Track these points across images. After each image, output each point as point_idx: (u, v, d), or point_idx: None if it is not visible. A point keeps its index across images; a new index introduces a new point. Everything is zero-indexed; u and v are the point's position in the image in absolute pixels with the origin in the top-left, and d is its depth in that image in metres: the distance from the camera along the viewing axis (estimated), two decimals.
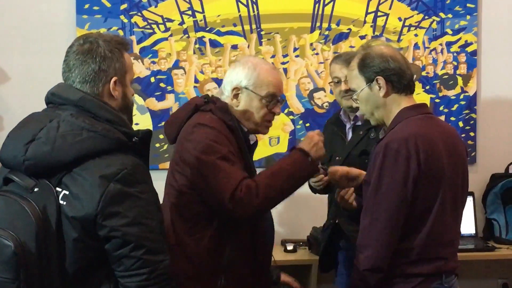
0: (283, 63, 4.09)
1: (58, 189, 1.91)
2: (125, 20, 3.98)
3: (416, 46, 4.18)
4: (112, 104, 2.04)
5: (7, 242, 1.83)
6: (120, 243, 1.89)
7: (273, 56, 4.08)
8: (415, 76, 2.45)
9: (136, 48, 3.99)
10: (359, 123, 3.24)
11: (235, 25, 4.05)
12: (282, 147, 4.10)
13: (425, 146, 2.28)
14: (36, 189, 1.91)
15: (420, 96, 4.16)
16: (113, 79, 2.04)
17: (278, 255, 3.79)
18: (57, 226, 1.88)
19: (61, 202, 1.90)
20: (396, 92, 2.37)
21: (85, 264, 1.93)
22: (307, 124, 4.11)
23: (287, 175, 2.42)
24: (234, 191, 2.32)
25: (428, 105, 4.14)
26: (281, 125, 4.11)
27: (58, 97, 2.03)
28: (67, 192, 1.90)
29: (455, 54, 4.21)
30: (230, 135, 2.47)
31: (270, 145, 4.11)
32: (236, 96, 2.56)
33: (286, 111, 4.10)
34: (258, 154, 4.02)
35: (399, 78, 2.36)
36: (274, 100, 2.57)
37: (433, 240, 2.31)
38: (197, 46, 4.02)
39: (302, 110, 4.12)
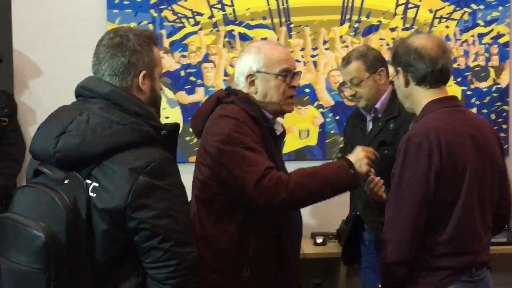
0: (312, 56, 4.08)
1: (88, 181, 1.93)
2: (155, 14, 4.01)
3: (447, 38, 4.14)
4: (141, 97, 2.06)
5: (38, 233, 1.86)
6: (149, 235, 1.91)
7: (302, 49, 4.07)
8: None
9: (166, 42, 4.02)
10: (380, 115, 3.23)
11: (264, 18, 4.05)
12: (312, 140, 4.10)
13: (448, 139, 2.28)
14: (66, 181, 1.94)
15: (451, 88, 4.11)
16: (142, 72, 2.06)
17: (308, 248, 3.81)
18: (87, 217, 1.91)
19: (91, 194, 1.92)
20: (416, 84, 2.39)
21: (113, 256, 1.95)
22: (337, 117, 4.10)
23: (323, 180, 2.39)
24: (260, 179, 2.31)
25: (460, 97, 4.12)
26: (311, 118, 4.10)
27: (87, 90, 2.05)
28: (96, 184, 1.92)
29: (487, 45, 4.17)
30: (253, 126, 2.46)
31: (300, 138, 4.11)
32: (252, 83, 2.55)
33: (316, 104, 4.10)
34: (288, 147, 4.06)
35: (416, 71, 2.37)
36: (290, 74, 2.56)
37: (460, 234, 2.30)
38: (226, 39, 4.03)
39: (332, 103, 4.11)
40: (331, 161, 2.64)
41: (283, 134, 2.71)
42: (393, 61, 2.43)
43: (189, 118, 2.76)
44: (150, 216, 1.91)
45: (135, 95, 2.05)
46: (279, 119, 2.72)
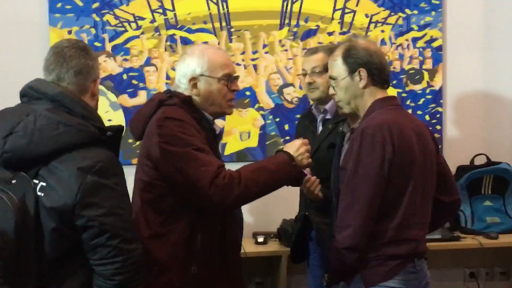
0: (253, 59, 4.18)
1: (35, 181, 2.00)
2: (97, 19, 4.05)
3: (383, 42, 4.28)
4: (92, 103, 2.16)
5: None
6: (97, 232, 1.99)
7: (243, 53, 4.16)
8: None
9: (108, 46, 4.06)
10: (328, 116, 3.31)
11: (205, 22, 4.13)
12: (253, 142, 4.19)
13: (398, 132, 2.41)
14: (14, 181, 2.00)
15: (388, 90, 4.24)
16: (98, 80, 2.20)
17: (249, 247, 3.87)
18: (35, 216, 1.97)
19: (38, 193, 1.98)
20: (374, 85, 2.52)
21: (61, 253, 2.03)
22: (277, 119, 4.20)
23: (269, 173, 2.49)
24: (214, 178, 2.38)
25: None
26: (252, 120, 4.19)
27: (35, 90, 2.12)
28: (44, 184, 1.99)
29: (421, 49, 4.32)
30: (198, 127, 2.53)
31: (241, 139, 4.19)
32: (194, 85, 2.63)
33: (256, 106, 4.19)
34: (230, 148, 4.14)
35: (380, 73, 2.52)
36: (231, 78, 2.65)
37: (406, 222, 2.43)
38: (168, 43, 4.10)
39: (272, 105, 4.20)
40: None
41: (222, 132, 2.79)
42: (349, 62, 2.51)
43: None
44: (98, 214, 1.99)
45: (86, 99, 2.14)
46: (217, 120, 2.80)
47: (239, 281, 2.69)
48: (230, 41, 4.16)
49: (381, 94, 2.55)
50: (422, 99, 4.33)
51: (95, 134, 2.07)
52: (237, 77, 2.71)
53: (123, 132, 2.23)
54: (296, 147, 2.59)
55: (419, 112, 4.31)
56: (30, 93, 2.13)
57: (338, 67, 2.54)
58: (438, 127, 4.34)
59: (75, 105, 2.10)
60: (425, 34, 4.32)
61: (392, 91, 4.24)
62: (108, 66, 4.06)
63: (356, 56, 2.50)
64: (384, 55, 2.60)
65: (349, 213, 2.40)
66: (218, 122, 3.98)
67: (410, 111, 4.27)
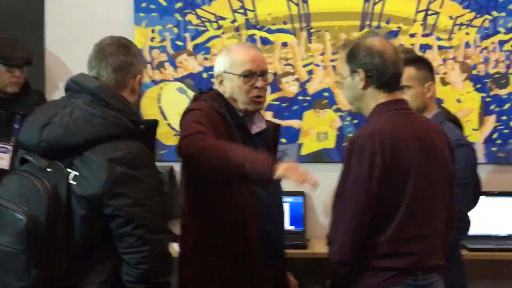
0: (332, 60, 4.16)
1: (69, 170, 2.09)
2: (180, 18, 4.16)
3: (467, 45, 4.17)
4: (131, 99, 2.25)
5: (20, 216, 2.02)
6: (123, 222, 2.06)
7: (322, 54, 4.16)
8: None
9: (190, 45, 4.16)
10: None
11: (285, 23, 4.16)
12: (330, 143, 4.18)
13: (392, 141, 2.30)
14: (49, 169, 2.10)
15: (471, 94, 4.16)
16: (139, 76, 2.26)
17: (321, 248, 3.82)
18: (66, 203, 2.06)
19: (71, 182, 2.08)
20: (375, 87, 2.40)
21: (91, 240, 2.10)
22: (355, 121, 4.16)
23: (235, 155, 2.35)
24: (187, 135, 2.44)
25: (479, 104, 4.15)
26: (329, 121, 4.18)
27: (76, 84, 2.22)
28: (77, 173, 2.09)
29: (507, 52, 4.17)
30: (219, 120, 2.57)
31: (318, 140, 4.19)
32: (221, 82, 2.70)
33: (334, 107, 4.18)
34: (306, 149, 4.16)
35: (380, 74, 2.38)
36: (254, 76, 2.66)
37: (402, 235, 2.31)
38: (248, 43, 4.14)
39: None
40: None
41: (265, 131, 2.78)
42: (350, 61, 2.43)
43: None
44: (125, 204, 2.06)
45: (125, 94, 2.21)
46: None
47: (260, 277, 2.66)
48: (310, 41, 4.16)
49: (384, 98, 2.40)
50: (508, 104, 4.18)
51: (129, 127, 2.14)
52: (263, 74, 2.69)
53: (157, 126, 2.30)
54: (291, 163, 2.37)
55: (504, 118, 4.17)
56: (72, 86, 2.23)
57: (343, 66, 2.47)
58: None
59: (112, 99, 2.18)
60: None
61: (475, 95, 4.15)
62: (189, 64, 4.16)
63: (357, 57, 2.41)
64: (394, 56, 2.41)
65: (338, 227, 2.32)
66: (295, 122, 4.11)
67: (494, 116, 4.15)
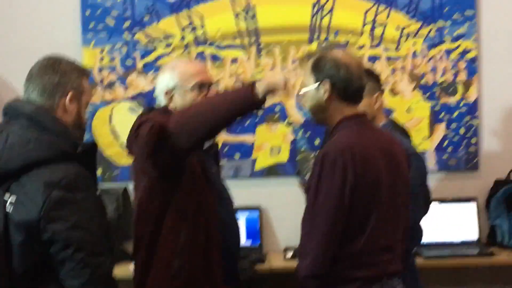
0: None
1: (7, 195, 2.05)
2: (128, 38, 4.14)
3: (414, 55, 4.22)
4: (67, 118, 2.20)
5: None
6: (63, 246, 2.03)
7: (272, 68, 4.17)
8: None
9: (140, 64, 4.14)
10: None
11: (234, 38, 4.16)
12: (283, 157, 4.19)
13: (361, 155, 2.33)
14: None
15: (420, 104, 4.21)
16: (70, 93, 2.21)
17: (278, 262, 3.86)
18: (4, 230, 2.02)
19: (8, 208, 2.04)
20: (340, 100, 2.42)
21: (31, 267, 2.07)
22: (307, 134, 4.18)
23: (211, 99, 2.39)
24: (150, 129, 2.37)
25: (428, 112, 4.21)
26: (282, 135, 4.19)
27: (13, 109, 2.18)
28: (14, 198, 2.05)
29: (454, 61, 4.24)
30: None
31: (271, 154, 4.19)
32: (171, 99, 2.67)
33: (286, 121, 4.19)
34: (260, 163, 4.15)
35: (345, 87, 2.41)
36: (205, 86, 2.66)
37: (370, 246, 2.35)
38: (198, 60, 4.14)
39: (302, 120, 4.19)
40: None
41: (213, 146, 2.80)
42: (316, 72, 2.43)
43: None
44: (63, 228, 2.04)
45: (59, 115, 2.18)
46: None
47: (217, 285, 2.64)
48: (259, 57, 4.18)
49: (349, 111, 2.44)
50: (457, 112, 4.24)
51: (65, 150, 2.12)
52: (211, 85, 2.70)
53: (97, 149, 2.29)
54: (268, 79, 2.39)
55: (453, 126, 4.22)
56: (9, 111, 2.21)
57: (306, 76, 2.48)
58: (473, 140, 4.23)
59: (48, 122, 2.15)
60: (458, 46, 4.23)
61: (424, 104, 4.20)
62: (140, 83, 4.14)
63: (323, 68, 2.42)
64: (358, 69, 2.45)
65: (308, 241, 2.32)
66: (248, 138, 4.11)
67: (443, 124, 4.21)
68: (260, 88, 2.34)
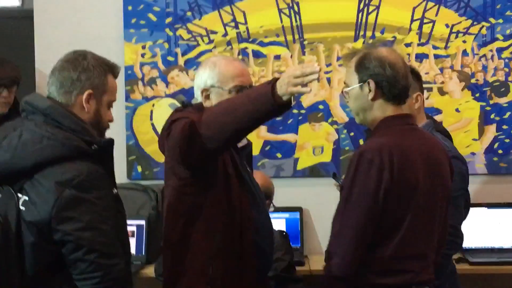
0: (326, 72, 4.08)
1: (20, 195, 2.02)
2: (170, 33, 4.09)
3: (465, 53, 4.07)
4: (84, 116, 2.13)
5: None
6: (74, 247, 1.98)
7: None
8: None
9: (181, 60, 4.09)
10: None
11: (277, 35, 4.08)
12: (326, 157, 4.09)
13: (400, 157, 2.25)
14: None
15: (470, 103, 4.06)
16: (87, 91, 2.13)
17: (318, 265, 3.75)
18: (16, 230, 1.98)
19: (21, 207, 2.00)
20: (385, 100, 2.34)
21: (43, 267, 2.03)
22: (351, 134, 4.08)
23: (235, 103, 2.31)
24: (182, 128, 2.33)
25: (478, 113, 4.06)
26: (325, 135, 4.09)
27: (29, 105, 2.13)
28: (26, 198, 2.01)
29: (506, 60, 4.08)
30: None
31: (314, 154, 4.10)
32: (207, 97, 2.59)
33: (330, 120, 4.09)
34: (302, 163, 4.07)
35: (391, 86, 2.33)
36: (243, 90, 2.56)
37: (402, 252, 2.27)
38: (240, 57, 4.07)
39: (346, 119, 4.08)
40: None
41: (247, 146, 2.71)
42: (360, 71, 2.35)
43: None
44: (74, 229, 1.98)
45: (75, 112, 2.11)
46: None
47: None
48: (303, 53, 4.08)
49: (392, 111, 2.35)
50: (508, 113, 4.07)
51: (80, 148, 2.05)
52: (251, 87, 2.58)
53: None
54: (288, 72, 2.21)
55: (504, 127, 4.06)
56: (26, 107, 2.15)
57: (351, 75, 2.40)
58: None
59: (64, 118, 2.08)
60: (510, 44, 4.07)
61: (474, 104, 4.07)
62: (181, 80, 4.09)
63: (367, 66, 2.33)
64: (404, 68, 2.37)
65: (338, 241, 2.26)
66: (290, 136, 4.02)
67: (494, 126, 4.05)
68: (280, 85, 2.20)
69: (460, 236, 2.97)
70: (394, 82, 2.33)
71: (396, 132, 2.33)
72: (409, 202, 2.26)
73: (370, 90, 2.34)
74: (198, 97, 2.64)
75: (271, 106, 2.23)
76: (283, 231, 3.59)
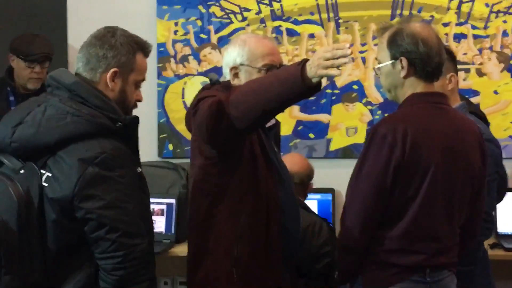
0: (361, 52, 4.01)
1: (43, 171, 1.99)
2: (203, 10, 4.05)
3: (505, 34, 3.96)
4: (109, 94, 2.09)
5: None
6: (96, 226, 1.95)
7: (351, 45, 4.00)
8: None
9: (214, 38, 4.05)
10: None
11: (312, 13, 4.01)
12: (360, 138, 4.01)
13: (414, 136, 2.20)
14: (22, 171, 1.99)
15: (509, 85, 3.97)
16: (113, 69, 2.09)
17: None
18: (38, 207, 1.96)
19: (44, 184, 1.97)
20: (417, 77, 2.28)
21: (65, 245, 2.00)
22: (386, 114, 3.98)
23: (264, 83, 2.25)
24: (209, 107, 2.29)
25: None
26: (359, 115, 4.03)
27: (55, 80, 2.10)
28: (49, 174, 1.98)
29: None
30: None
31: (347, 135, 4.04)
32: (236, 75, 2.55)
33: (364, 101, 4.02)
34: (335, 144, 4.02)
35: (424, 64, 2.26)
36: (273, 69, 2.50)
37: (413, 233, 2.24)
38: (274, 35, 4.00)
39: (381, 100, 4.01)
40: None
41: (275, 125, 2.66)
42: (392, 47, 2.28)
43: None
44: (97, 207, 1.95)
45: (100, 89, 2.08)
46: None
47: (277, 273, 2.52)
48: (338, 32, 4.01)
49: (423, 88, 2.29)
50: None
51: (104, 125, 2.01)
52: (281, 66, 2.53)
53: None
54: (318, 54, 2.12)
55: None
56: (51, 83, 2.12)
57: (382, 51, 2.33)
58: None
59: (89, 94, 2.04)
60: None
61: None
62: (213, 58, 4.05)
63: (400, 43, 2.26)
64: (438, 44, 2.29)
65: (347, 212, 2.28)
66: (324, 117, 3.96)
67: None
68: (310, 67, 2.12)
69: (491, 221, 2.90)
70: (427, 59, 2.26)
71: (418, 110, 2.28)
72: (420, 183, 2.22)
73: (402, 68, 2.28)
74: (226, 75, 2.60)
75: (300, 88, 2.16)
76: (330, 223, 3.50)
